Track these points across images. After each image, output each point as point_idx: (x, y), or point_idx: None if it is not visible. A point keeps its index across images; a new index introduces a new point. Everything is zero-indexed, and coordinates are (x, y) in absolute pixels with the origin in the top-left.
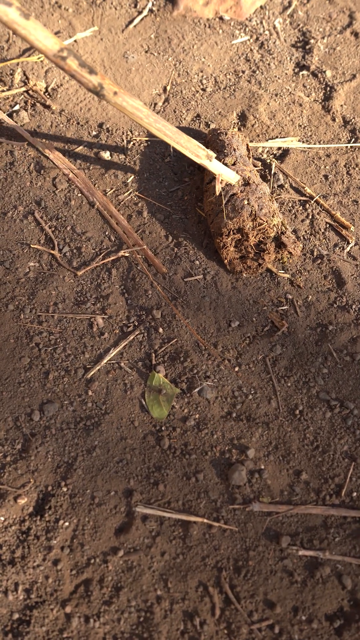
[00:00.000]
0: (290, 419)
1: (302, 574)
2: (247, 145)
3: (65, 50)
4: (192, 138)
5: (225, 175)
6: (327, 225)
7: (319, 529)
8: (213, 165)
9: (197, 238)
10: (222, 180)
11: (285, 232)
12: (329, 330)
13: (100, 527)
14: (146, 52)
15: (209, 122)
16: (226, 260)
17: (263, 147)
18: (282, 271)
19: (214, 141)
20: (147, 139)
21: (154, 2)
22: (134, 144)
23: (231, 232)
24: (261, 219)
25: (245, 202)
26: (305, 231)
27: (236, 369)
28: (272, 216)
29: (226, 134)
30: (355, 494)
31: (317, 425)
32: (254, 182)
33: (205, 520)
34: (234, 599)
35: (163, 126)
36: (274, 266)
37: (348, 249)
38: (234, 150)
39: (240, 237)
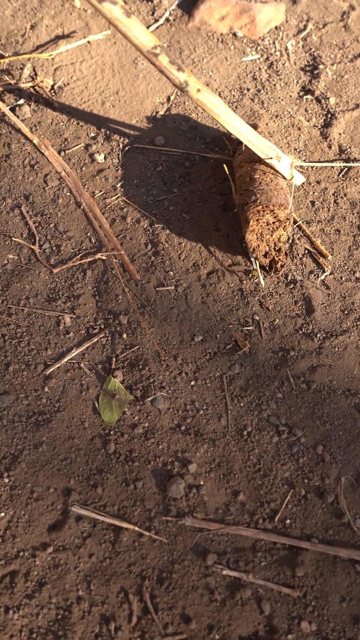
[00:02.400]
0: (238, 439)
1: (223, 593)
2: None
3: (158, 48)
4: (264, 139)
5: (293, 175)
6: (306, 251)
7: (247, 551)
8: (281, 165)
9: (175, 249)
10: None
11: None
12: (290, 355)
13: (34, 521)
14: None
15: (206, 136)
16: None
17: None
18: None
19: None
20: (143, 146)
21: (171, 12)
22: (129, 149)
23: (266, 213)
24: (287, 217)
25: (284, 194)
26: None
27: (192, 383)
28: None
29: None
30: (288, 521)
31: (262, 448)
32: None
33: (136, 528)
34: (152, 609)
35: (239, 124)
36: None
37: (322, 277)
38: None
39: (269, 225)
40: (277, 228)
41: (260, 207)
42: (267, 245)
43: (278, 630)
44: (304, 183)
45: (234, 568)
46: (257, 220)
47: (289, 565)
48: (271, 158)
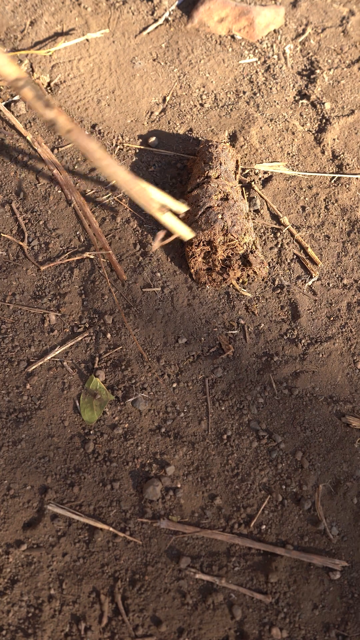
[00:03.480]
0: (217, 442)
1: (195, 597)
2: (237, 161)
3: (22, 80)
4: (147, 188)
5: (176, 229)
6: (294, 257)
7: (221, 555)
8: (165, 218)
9: (164, 251)
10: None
11: (255, 251)
12: (274, 360)
13: (9, 518)
14: (154, 60)
15: (200, 138)
16: (193, 270)
17: (250, 169)
18: (245, 290)
19: (203, 152)
20: (136, 146)
21: (171, 12)
22: (121, 149)
23: (201, 243)
24: (232, 235)
25: (219, 216)
26: (272, 259)
27: (174, 385)
28: (244, 234)
29: (216, 147)
30: (264, 526)
31: (241, 453)
32: (232, 198)
33: (111, 529)
34: (123, 611)
35: (115, 172)
36: (238, 283)
37: (310, 282)
38: (220, 164)
39: (209, 249)
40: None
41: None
42: (219, 265)
43: (249, 636)
44: (295, 188)
45: (207, 572)
46: (195, 258)
47: (262, 571)
48: (152, 210)
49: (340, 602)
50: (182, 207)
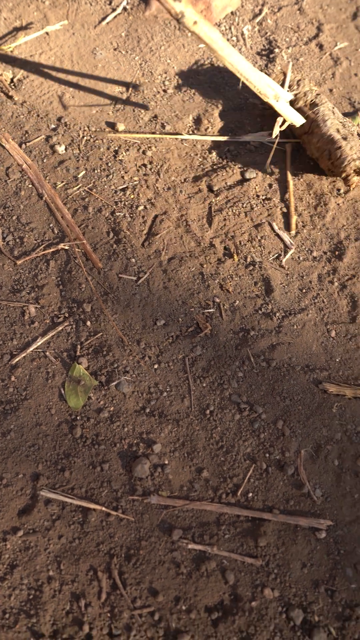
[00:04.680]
0: (201, 418)
1: (189, 566)
2: None
3: None
4: (264, 76)
5: (290, 117)
6: (264, 234)
7: (211, 525)
8: (279, 105)
9: (137, 236)
10: (284, 122)
11: None
12: (251, 335)
13: (4, 507)
14: (115, 49)
15: (165, 124)
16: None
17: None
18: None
19: None
20: (103, 135)
21: (129, 1)
22: (89, 139)
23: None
24: None
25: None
26: (244, 238)
27: (155, 366)
28: None
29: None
30: (250, 494)
31: (225, 426)
32: None
33: (104, 509)
34: (121, 585)
35: (237, 60)
36: None
37: (285, 257)
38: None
39: None
40: None
41: None
42: None
43: (242, 599)
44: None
45: (199, 542)
46: None
47: (251, 536)
48: (268, 97)
49: (328, 559)
50: (291, 96)
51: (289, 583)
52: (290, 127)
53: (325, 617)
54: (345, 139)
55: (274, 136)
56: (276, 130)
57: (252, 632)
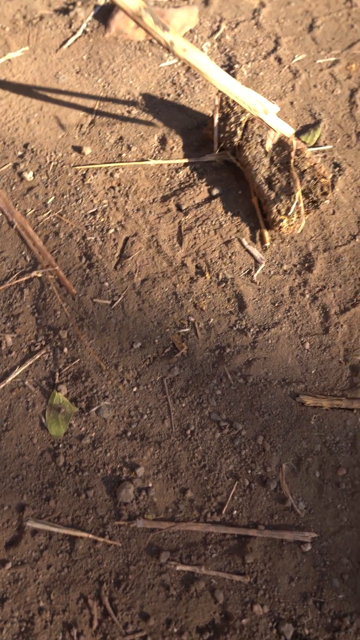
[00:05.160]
0: (182, 438)
1: (178, 588)
2: None
3: (142, 10)
4: (252, 92)
5: (279, 128)
6: (235, 251)
7: (198, 545)
8: (268, 118)
9: (109, 260)
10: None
11: None
12: (227, 352)
13: None
14: (77, 72)
15: (131, 145)
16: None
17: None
18: None
19: None
20: (70, 161)
21: (88, 24)
22: (56, 165)
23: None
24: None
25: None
26: (215, 255)
27: (134, 389)
28: None
29: None
30: (235, 511)
31: (206, 445)
32: None
33: (90, 536)
34: (112, 611)
35: (225, 80)
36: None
37: (256, 272)
38: None
39: None
40: None
41: None
42: None
43: (233, 617)
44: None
45: (186, 563)
46: None
47: (238, 553)
48: (257, 112)
49: (314, 571)
50: (278, 108)
51: (278, 598)
52: (234, 150)
53: (315, 629)
54: (272, 188)
55: (271, 145)
56: (269, 146)
57: None
